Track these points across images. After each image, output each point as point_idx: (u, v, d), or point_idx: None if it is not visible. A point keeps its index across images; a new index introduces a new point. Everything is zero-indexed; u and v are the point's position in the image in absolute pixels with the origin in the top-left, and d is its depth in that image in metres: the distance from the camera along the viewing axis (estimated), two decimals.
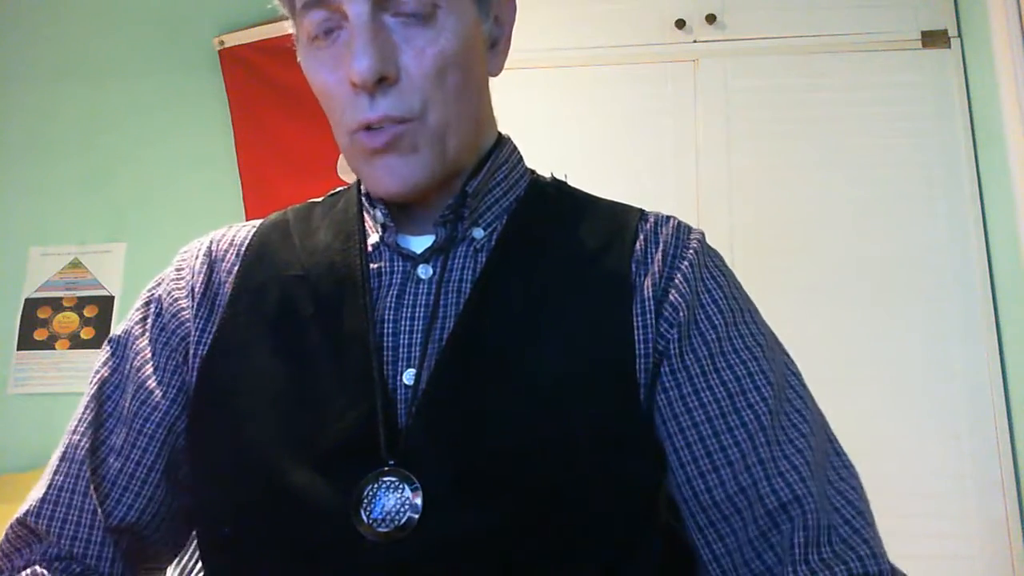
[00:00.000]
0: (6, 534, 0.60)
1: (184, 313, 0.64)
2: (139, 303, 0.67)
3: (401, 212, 0.64)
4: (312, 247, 0.65)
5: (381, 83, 0.55)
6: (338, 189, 0.72)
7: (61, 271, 2.23)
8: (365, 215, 0.66)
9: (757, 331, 0.60)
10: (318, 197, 0.73)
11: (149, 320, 0.65)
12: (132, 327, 0.66)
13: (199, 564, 0.72)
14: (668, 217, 0.66)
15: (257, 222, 0.70)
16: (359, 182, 0.68)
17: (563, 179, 0.70)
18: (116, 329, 0.67)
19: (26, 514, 0.59)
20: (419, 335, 0.57)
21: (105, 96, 2.32)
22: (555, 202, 0.67)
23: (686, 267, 0.61)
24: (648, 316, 0.58)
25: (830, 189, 1.78)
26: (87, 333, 2.18)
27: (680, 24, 1.90)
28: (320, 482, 0.52)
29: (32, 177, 2.30)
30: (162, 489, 0.60)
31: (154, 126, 2.30)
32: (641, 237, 0.63)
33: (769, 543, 0.52)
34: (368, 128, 0.56)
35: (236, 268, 0.65)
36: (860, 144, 1.79)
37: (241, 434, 0.57)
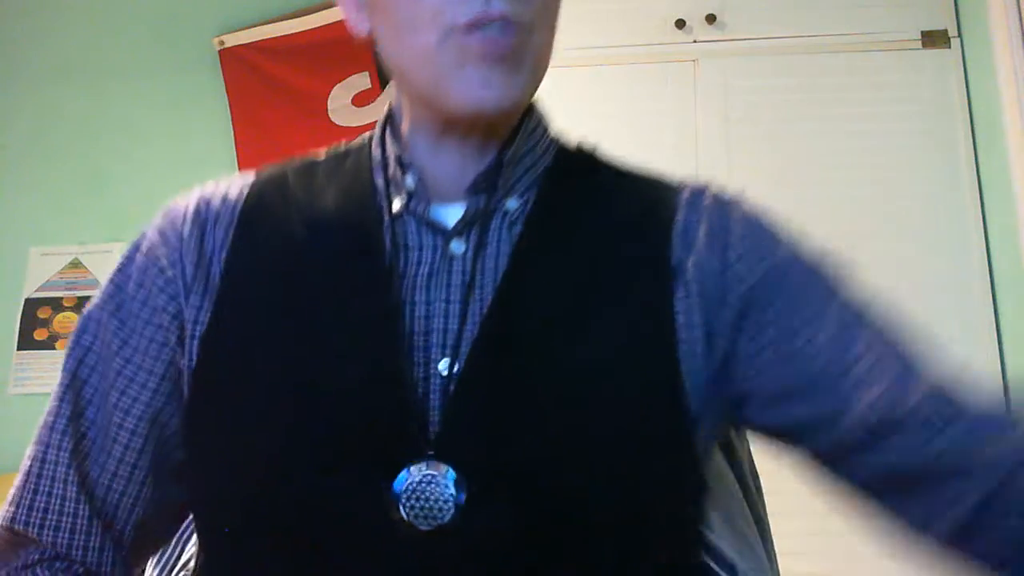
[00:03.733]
0: None
1: (172, 287, 0.57)
2: (116, 272, 0.59)
3: (429, 177, 0.58)
4: (320, 211, 0.58)
5: None
6: (341, 145, 0.64)
7: (61, 271, 2.23)
8: (379, 179, 0.59)
9: (825, 268, 0.56)
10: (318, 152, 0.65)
11: (128, 293, 0.58)
12: (105, 303, 0.58)
13: (182, 557, 0.70)
14: (704, 186, 0.61)
15: (250, 176, 0.62)
16: (370, 140, 0.62)
17: (592, 148, 0.65)
18: (89, 306, 0.59)
19: (12, 520, 0.55)
20: (455, 319, 0.53)
21: (105, 96, 2.32)
22: (586, 174, 0.62)
23: (736, 239, 0.56)
24: (696, 298, 0.54)
25: (830, 189, 1.78)
26: None
27: (680, 24, 1.90)
28: (346, 477, 0.49)
29: (32, 177, 2.30)
30: (150, 485, 0.56)
31: (154, 126, 2.30)
32: (681, 213, 0.57)
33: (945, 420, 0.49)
34: (477, 28, 0.51)
35: (231, 232, 0.58)
36: (860, 144, 1.79)
37: (250, 426, 0.52)
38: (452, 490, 0.47)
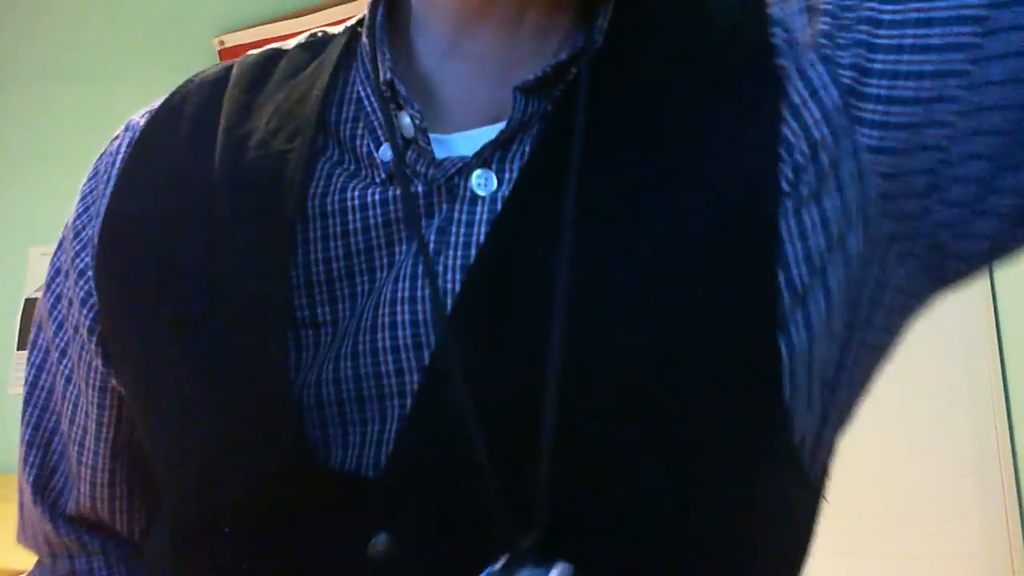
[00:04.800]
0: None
1: (89, 269, 0.44)
2: (51, 264, 0.49)
3: (442, 98, 0.40)
4: (245, 133, 0.40)
5: None
6: (321, 34, 0.47)
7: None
8: (363, 98, 0.41)
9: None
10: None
11: (55, 289, 0.47)
12: (41, 304, 0.49)
13: None
14: None
15: (188, 83, 0.48)
16: (353, 31, 0.45)
17: None
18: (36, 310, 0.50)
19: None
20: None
21: (105, 96, 2.32)
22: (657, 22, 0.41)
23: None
24: (822, 93, 0.37)
25: None
26: None
27: None
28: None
29: (32, 177, 2.30)
30: (138, 503, 0.50)
31: None
32: (773, 20, 0.39)
33: None
34: None
35: (112, 182, 0.44)
36: None
37: (171, 449, 0.40)
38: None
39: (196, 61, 2.30)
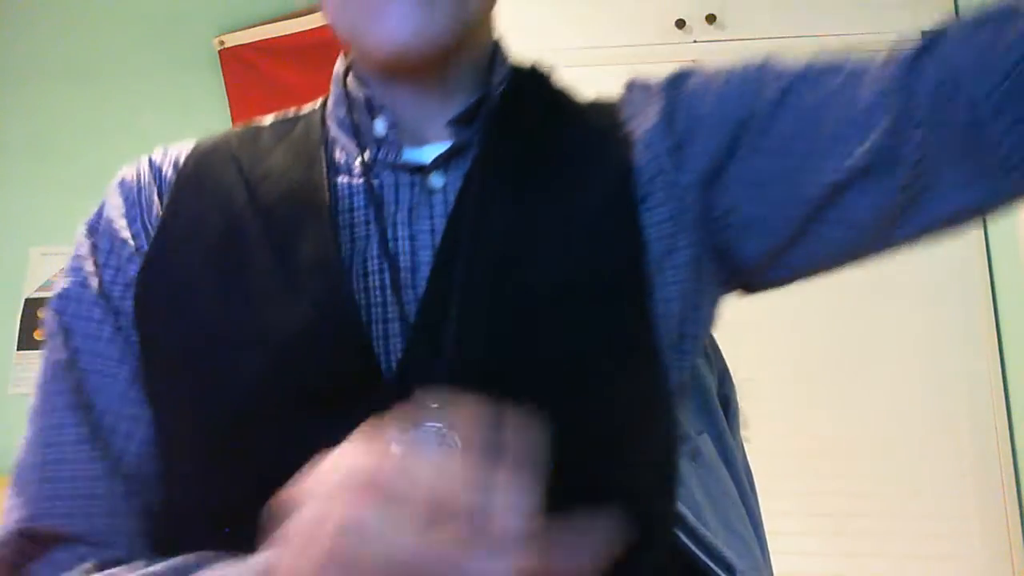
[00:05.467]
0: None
1: (133, 250, 0.55)
2: (82, 239, 0.58)
3: (406, 119, 0.57)
4: (264, 171, 0.56)
5: None
6: (289, 112, 0.63)
7: (61, 271, 2.23)
8: (338, 138, 0.58)
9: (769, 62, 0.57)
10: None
11: (99, 258, 0.56)
12: (83, 266, 0.57)
13: None
14: (646, 81, 0.62)
15: (192, 142, 0.61)
16: (323, 104, 0.61)
17: (547, 71, 0.64)
18: (61, 282, 0.57)
19: (31, 520, 0.49)
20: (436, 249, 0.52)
21: (105, 96, 2.32)
22: (540, 98, 0.61)
23: (685, 90, 0.58)
24: (664, 158, 0.55)
25: None
26: None
27: (680, 24, 1.90)
28: (312, 420, 0.46)
29: (32, 177, 2.30)
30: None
31: (154, 126, 2.30)
32: (626, 112, 0.59)
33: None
34: None
35: (168, 192, 0.56)
36: None
37: (199, 380, 0.49)
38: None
39: (196, 61, 2.31)
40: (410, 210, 0.53)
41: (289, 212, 0.53)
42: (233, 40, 2.28)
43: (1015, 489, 1.59)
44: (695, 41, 1.90)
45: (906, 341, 1.68)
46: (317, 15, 2.21)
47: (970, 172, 0.50)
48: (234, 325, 0.50)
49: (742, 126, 0.54)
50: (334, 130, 0.59)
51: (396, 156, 0.55)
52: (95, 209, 0.59)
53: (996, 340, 1.66)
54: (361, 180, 0.55)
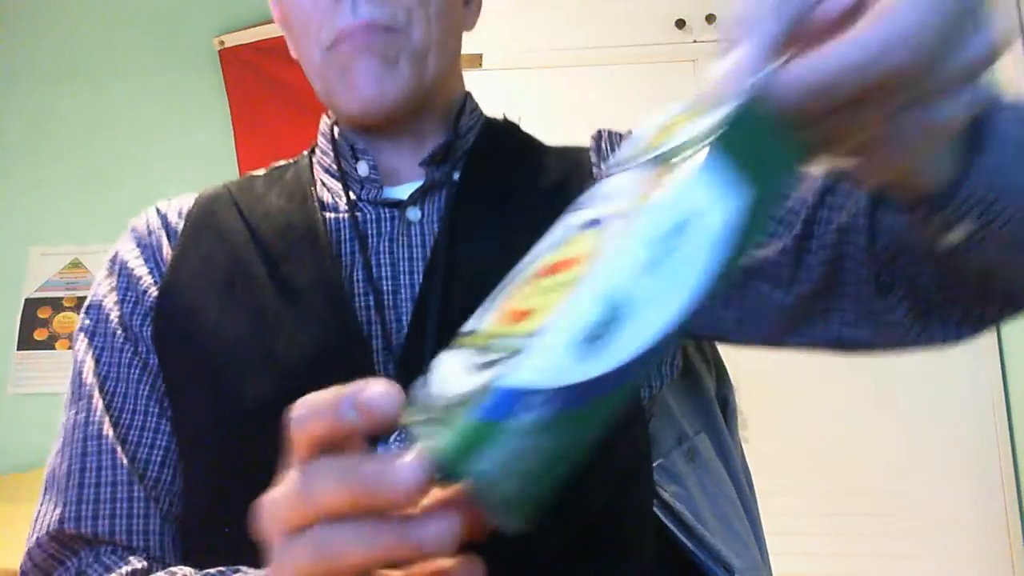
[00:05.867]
0: (33, 558, 0.54)
1: (148, 284, 0.61)
2: (101, 279, 0.64)
3: (384, 163, 0.64)
4: (263, 211, 0.62)
5: None
6: (280, 163, 0.70)
7: (61, 271, 2.23)
8: (325, 182, 0.65)
9: None
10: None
11: (117, 294, 0.62)
12: (103, 302, 0.62)
13: None
14: (615, 131, 0.68)
15: (193, 194, 0.68)
16: (311, 152, 0.68)
17: (516, 121, 0.71)
18: (85, 317, 0.63)
19: (60, 523, 0.53)
20: (419, 276, 0.57)
21: (105, 96, 2.33)
22: (510, 143, 0.68)
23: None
24: None
25: None
26: None
27: (680, 24, 1.90)
28: None
29: (32, 177, 2.30)
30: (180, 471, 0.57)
31: (154, 126, 2.30)
32: (594, 157, 0.65)
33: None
34: (349, 39, 0.57)
35: (180, 235, 0.63)
36: None
37: (212, 395, 0.54)
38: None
39: (196, 61, 2.31)
40: (390, 240, 0.59)
41: (287, 244, 0.59)
42: (233, 40, 2.28)
43: (1015, 489, 1.59)
44: (695, 41, 1.90)
45: None
46: None
47: (858, 313, 0.53)
48: (242, 348, 0.54)
49: None
50: (321, 174, 0.65)
51: (377, 193, 0.62)
52: (109, 256, 0.65)
53: (996, 340, 1.66)
54: (346, 215, 0.60)
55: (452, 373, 0.28)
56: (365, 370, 0.52)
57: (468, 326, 0.30)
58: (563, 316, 0.25)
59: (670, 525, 0.58)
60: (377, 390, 0.28)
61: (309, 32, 0.59)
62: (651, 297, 0.26)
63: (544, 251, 0.30)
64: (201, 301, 0.58)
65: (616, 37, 1.92)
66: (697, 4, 1.91)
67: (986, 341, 1.66)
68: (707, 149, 0.27)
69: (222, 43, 2.29)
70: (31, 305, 2.21)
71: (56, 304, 2.21)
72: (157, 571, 0.51)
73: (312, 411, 0.29)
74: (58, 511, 0.54)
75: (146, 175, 2.26)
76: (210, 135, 2.26)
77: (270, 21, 2.29)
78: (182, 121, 2.30)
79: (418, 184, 0.62)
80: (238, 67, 2.28)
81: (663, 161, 0.28)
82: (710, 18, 1.89)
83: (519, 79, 1.85)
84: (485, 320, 0.30)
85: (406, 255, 0.59)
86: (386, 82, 0.58)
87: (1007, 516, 1.57)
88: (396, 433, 0.47)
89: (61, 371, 2.14)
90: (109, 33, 2.37)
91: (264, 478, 0.47)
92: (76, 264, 2.23)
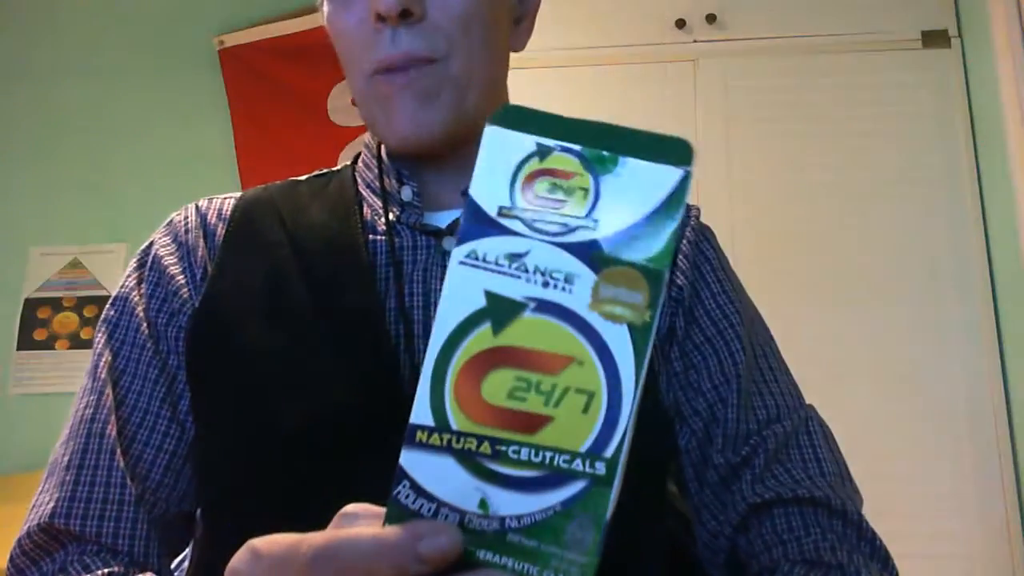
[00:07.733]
0: (22, 545, 0.54)
1: (180, 284, 0.60)
2: (131, 272, 0.63)
3: (428, 188, 0.63)
4: (305, 224, 0.61)
5: (405, 17, 0.54)
6: (323, 170, 0.70)
7: (61, 271, 2.23)
8: (366, 197, 0.64)
9: (743, 307, 0.63)
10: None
11: (146, 288, 0.61)
12: (130, 295, 0.61)
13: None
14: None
15: (236, 194, 0.67)
16: (354, 163, 0.68)
17: None
18: (110, 309, 0.62)
19: (52, 516, 0.54)
20: None
21: (105, 96, 2.32)
22: None
23: (685, 246, 0.63)
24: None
25: (830, 189, 1.78)
26: (87, 333, 2.18)
27: (680, 24, 1.90)
28: (350, 462, 0.49)
29: (32, 177, 2.30)
30: (186, 476, 0.57)
31: (154, 126, 2.30)
32: None
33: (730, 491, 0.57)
34: (388, 70, 0.56)
35: (221, 239, 0.62)
36: (860, 144, 1.79)
37: (249, 416, 0.54)
38: None
39: (196, 61, 2.31)
40: (424, 270, 0.59)
41: (329, 265, 0.58)
42: (233, 40, 2.28)
43: (1015, 489, 1.59)
44: (695, 41, 1.90)
45: (906, 341, 1.68)
46: (316, 15, 2.21)
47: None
48: (276, 371, 0.54)
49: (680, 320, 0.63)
50: (362, 187, 0.65)
51: (418, 219, 0.61)
52: (143, 246, 0.64)
53: (996, 340, 1.66)
54: (383, 239, 0.60)
55: (448, 478, 0.29)
56: (395, 406, 0.51)
57: (419, 418, 0.30)
58: (604, 437, 0.29)
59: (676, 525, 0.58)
60: (443, 540, 0.27)
61: (352, 59, 0.59)
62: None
63: (476, 321, 0.30)
64: (239, 321, 0.57)
65: (616, 37, 1.92)
66: (697, 4, 1.91)
67: (986, 341, 1.66)
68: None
69: (222, 43, 2.29)
70: (31, 305, 2.21)
71: (56, 304, 2.21)
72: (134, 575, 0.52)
73: (367, 563, 0.27)
74: (52, 504, 0.54)
75: (146, 175, 2.26)
76: (210, 135, 2.26)
77: (270, 21, 2.29)
78: (182, 121, 2.30)
79: (457, 214, 0.61)
80: (238, 67, 2.27)
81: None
82: (710, 18, 1.89)
83: (518, 79, 1.85)
84: (446, 413, 0.29)
85: (438, 287, 0.58)
86: (423, 117, 0.57)
87: (1007, 516, 1.57)
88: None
89: (61, 371, 2.14)
90: (109, 33, 2.37)
91: (286, 503, 0.50)
92: (76, 264, 2.23)
